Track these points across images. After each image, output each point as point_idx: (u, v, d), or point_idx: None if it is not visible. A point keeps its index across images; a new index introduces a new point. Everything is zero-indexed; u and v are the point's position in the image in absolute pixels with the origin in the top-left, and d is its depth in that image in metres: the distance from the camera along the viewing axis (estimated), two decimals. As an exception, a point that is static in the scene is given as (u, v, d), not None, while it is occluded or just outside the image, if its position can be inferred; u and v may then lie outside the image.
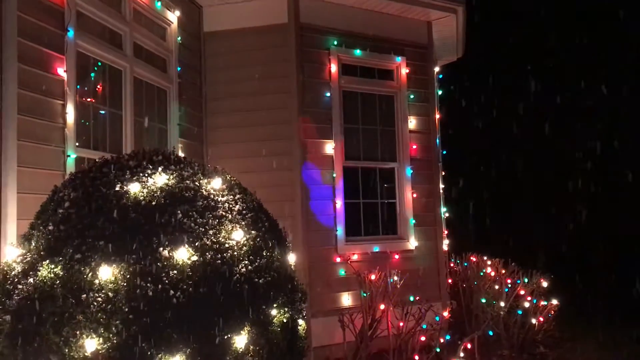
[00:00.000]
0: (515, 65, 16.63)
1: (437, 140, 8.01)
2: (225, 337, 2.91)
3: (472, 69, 14.79)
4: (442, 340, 6.27)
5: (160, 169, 3.36)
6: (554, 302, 7.19)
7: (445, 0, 7.51)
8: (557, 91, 16.33)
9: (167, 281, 2.83)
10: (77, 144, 4.58)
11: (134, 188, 3.17)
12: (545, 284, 7.39)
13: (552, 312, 7.17)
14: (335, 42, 7.07)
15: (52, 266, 2.86)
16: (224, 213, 3.30)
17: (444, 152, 9.27)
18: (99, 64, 5.13)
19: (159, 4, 6.02)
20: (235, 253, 3.15)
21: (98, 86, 5.21)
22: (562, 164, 15.80)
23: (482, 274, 7.72)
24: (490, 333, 7.00)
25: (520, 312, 6.96)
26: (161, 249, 2.93)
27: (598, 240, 14.46)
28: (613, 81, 15.59)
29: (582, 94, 16.12)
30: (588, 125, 16.02)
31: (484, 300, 7.22)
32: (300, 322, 3.50)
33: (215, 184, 3.50)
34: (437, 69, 9.12)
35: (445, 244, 8.06)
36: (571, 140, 16.04)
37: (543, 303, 7.09)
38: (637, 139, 15.31)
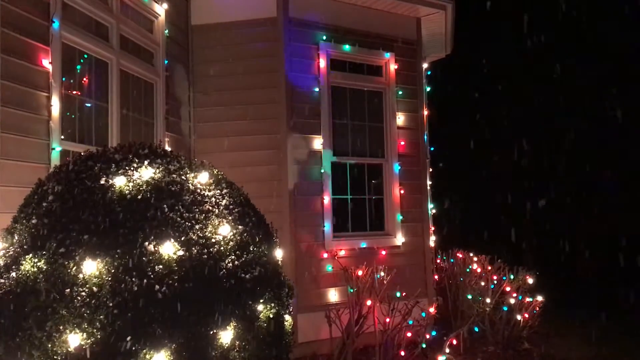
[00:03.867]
0: (503, 63, 16.70)
1: (425, 137, 8.02)
2: (211, 332, 2.89)
3: (461, 66, 14.84)
4: (428, 336, 6.30)
5: (146, 162, 3.32)
6: (539, 298, 7.24)
7: (435, -4, 7.52)
8: (545, 89, 16.44)
9: (152, 276, 2.80)
10: (62, 136, 4.53)
11: (119, 182, 3.13)
12: (530, 280, 7.44)
13: (537, 309, 7.22)
14: (324, 37, 7.05)
15: (36, 260, 2.82)
16: (210, 208, 3.28)
17: (432, 149, 9.29)
18: (85, 56, 5.07)
19: (146, -4, 5.96)
20: (222, 248, 3.12)
21: (84, 78, 5.15)
22: (549, 161, 15.92)
23: (468, 270, 7.75)
24: (476, 329, 7.05)
25: (505, 308, 7.00)
26: (146, 243, 2.90)
27: (582, 237, 14.61)
28: (601, 80, 15.73)
29: (570, 92, 16.24)
30: (574, 123, 16.14)
31: (469, 297, 7.25)
32: (287, 317, 3.49)
33: (202, 178, 3.47)
34: (425, 66, 9.13)
35: (432, 240, 8.09)
36: (557, 138, 16.16)
37: (528, 299, 7.14)
38: (621, 139, 15.47)
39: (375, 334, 6.15)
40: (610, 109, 15.50)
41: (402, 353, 6.00)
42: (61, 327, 2.67)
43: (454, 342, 6.40)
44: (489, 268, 7.58)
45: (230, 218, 3.34)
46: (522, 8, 15.86)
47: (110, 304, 2.69)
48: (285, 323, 3.47)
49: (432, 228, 8.38)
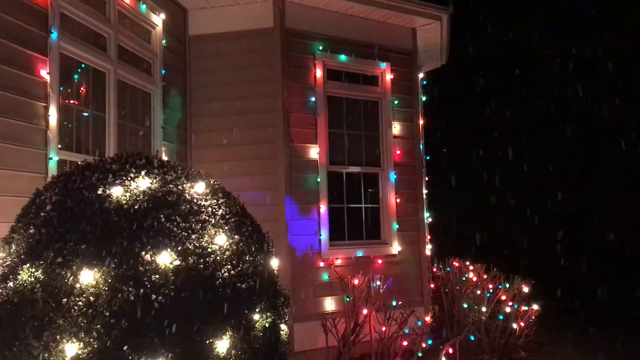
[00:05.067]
0: (497, 73, 16.81)
1: (421, 146, 8.06)
2: (207, 341, 2.90)
3: (456, 76, 14.93)
4: (424, 345, 6.30)
5: (143, 172, 3.34)
6: (535, 307, 7.26)
7: (430, 7, 7.58)
8: (540, 98, 16.54)
9: (149, 285, 2.82)
10: (59, 146, 4.55)
11: (116, 192, 3.16)
12: (526, 289, 7.46)
13: (533, 317, 7.24)
14: (321, 47, 7.10)
15: (33, 270, 2.83)
16: (207, 217, 3.30)
17: (427, 158, 9.34)
18: (83, 66, 5.10)
19: (143, 6, 6.00)
20: (218, 258, 3.14)
21: (81, 88, 5.18)
22: (544, 170, 15.98)
23: (464, 279, 7.77)
24: (472, 338, 7.05)
25: (501, 317, 7.01)
26: (143, 253, 2.92)
27: (578, 246, 14.64)
28: (595, 87, 15.83)
29: (564, 100, 16.34)
30: (571, 131, 16.23)
31: (465, 305, 7.27)
32: (283, 326, 3.51)
33: (199, 188, 3.50)
34: (421, 75, 9.19)
35: (428, 249, 8.11)
36: (553, 147, 16.24)
37: (524, 308, 7.16)
38: (617, 147, 15.54)
39: (371, 342, 6.15)
40: (608, 117, 15.60)
41: (398, 362, 6.01)
42: (58, 337, 2.69)
43: (450, 350, 6.41)
44: (485, 277, 7.60)
45: (226, 228, 3.36)
46: (516, 15, 16.01)
47: (107, 314, 2.71)
48: (281, 332, 3.48)
49: (428, 236, 8.41)
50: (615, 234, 14.56)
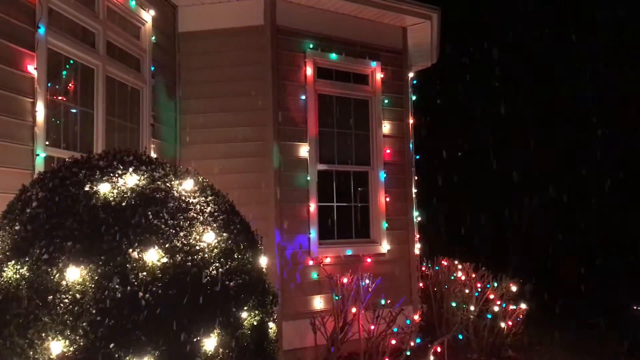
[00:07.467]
0: (487, 73, 16.87)
1: (411, 145, 8.07)
2: (195, 339, 2.88)
3: (446, 75, 14.97)
4: (412, 344, 6.31)
5: (131, 169, 3.32)
6: (523, 306, 7.30)
7: (420, 6, 7.59)
8: (530, 96, 16.62)
9: (136, 283, 2.79)
10: (46, 142, 4.51)
11: (103, 188, 3.13)
12: (514, 288, 7.50)
13: (521, 316, 7.28)
14: (311, 46, 7.09)
15: (18, 267, 2.80)
16: (195, 215, 3.28)
17: (417, 157, 9.35)
18: (71, 62, 5.05)
19: (133, 3, 5.96)
20: (206, 255, 3.12)
21: (69, 84, 5.14)
22: (534, 169, 16.05)
23: (452, 278, 7.80)
24: (460, 337, 7.08)
25: (489, 316, 7.05)
26: (130, 250, 2.89)
27: (566, 245, 14.74)
28: (585, 86, 15.93)
29: (555, 98, 16.43)
30: (561, 130, 16.33)
31: (454, 304, 7.30)
32: (271, 325, 3.49)
33: (187, 185, 3.47)
34: (411, 75, 9.19)
35: (417, 248, 8.12)
36: (543, 145, 16.31)
37: (512, 307, 7.19)
38: (608, 144, 15.65)
39: (360, 341, 6.16)
40: (599, 114, 15.69)
41: (387, 360, 6.01)
42: (43, 335, 2.66)
43: (438, 349, 6.43)
44: (473, 276, 7.63)
45: (215, 225, 3.34)
46: (509, 15, 16.08)
47: (93, 311, 2.68)
48: (270, 330, 3.47)
49: (417, 236, 8.42)
50: (606, 233, 14.67)
